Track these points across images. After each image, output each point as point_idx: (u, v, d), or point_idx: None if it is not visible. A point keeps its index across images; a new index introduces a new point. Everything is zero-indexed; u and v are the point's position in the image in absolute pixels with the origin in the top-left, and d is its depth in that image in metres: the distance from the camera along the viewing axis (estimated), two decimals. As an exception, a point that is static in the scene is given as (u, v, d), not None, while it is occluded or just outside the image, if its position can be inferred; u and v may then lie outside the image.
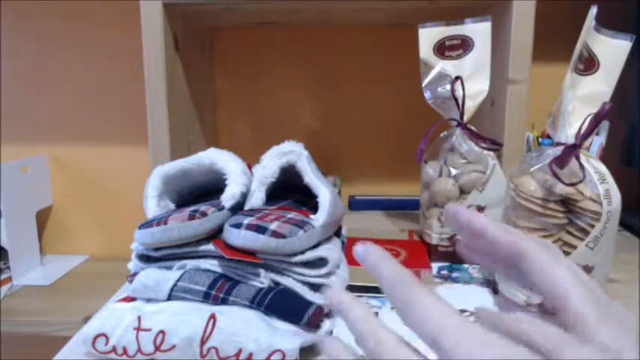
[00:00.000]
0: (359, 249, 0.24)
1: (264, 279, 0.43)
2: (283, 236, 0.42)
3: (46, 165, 0.92)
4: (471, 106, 0.61)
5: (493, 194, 0.59)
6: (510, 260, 0.23)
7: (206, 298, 0.42)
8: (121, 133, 0.91)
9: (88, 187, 0.94)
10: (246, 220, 0.43)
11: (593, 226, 0.46)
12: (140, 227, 0.44)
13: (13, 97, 0.91)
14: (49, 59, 0.90)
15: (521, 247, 0.23)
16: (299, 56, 0.90)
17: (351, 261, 0.57)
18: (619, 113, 0.77)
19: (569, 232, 0.48)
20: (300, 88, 0.92)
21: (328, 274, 0.45)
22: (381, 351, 0.21)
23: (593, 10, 0.47)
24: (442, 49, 0.62)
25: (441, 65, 0.62)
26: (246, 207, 0.51)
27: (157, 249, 0.45)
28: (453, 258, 0.61)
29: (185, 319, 0.40)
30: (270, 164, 0.52)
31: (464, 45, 0.62)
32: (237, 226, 0.43)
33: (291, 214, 0.48)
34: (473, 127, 0.62)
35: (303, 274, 0.44)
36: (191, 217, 0.44)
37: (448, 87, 0.61)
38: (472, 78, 0.61)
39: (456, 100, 0.60)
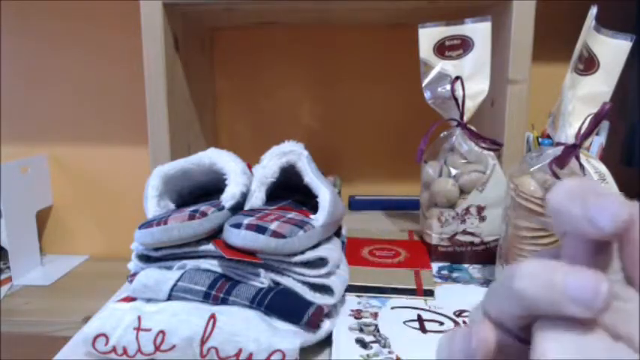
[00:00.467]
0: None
1: (264, 279, 0.44)
2: (283, 236, 0.42)
3: (46, 165, 0.92)
4: (471, 106, 0.61)
5: (493, 194, 0.59)
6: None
7: (206, 298, 0.42)
8: (121, 133, 0.91)
9: (88, 187, 0.94)
10: (246, 220, 0.43)
11: (593, 226, 0.46)
12: (140, 227, 0.44)
13: (13, 97, 0.91)
14: (49, 59, 0.90)
15: None
16: (299, 56, 0.90)
17: (351, 261, 0.57)
18: (619, 113, 0.77)
19: (569, 232, 0.48)
20: (300, 88, 0.92)
21: (328, 274, 0.45)
22: None
23: (593, 10, 0.47)
24: (442, 49, 0.62)
25: (441, 65, 0.62)
26: (246, 207, 0.51)
27: (157, 249, 0.45)
28: (453, 258, 0.61)
29: (185, 319, 0.40)
30: (270, 164, 0.52)
31: (464, 45, 0.62)
32: (237, 226, 0.43)
33: (291, 214, 0.48)
34: (473, 127, 0.62)
35: (303, 274, 0.44)
36: (191, 217, 0.44)
37: (448, 87, 0.61)
38: (472, 78, 0.61)
39: (456, 100, 0.60)
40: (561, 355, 0.15)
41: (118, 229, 0.94)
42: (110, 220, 0.95)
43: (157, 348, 0.39)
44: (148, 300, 0.43)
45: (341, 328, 0.44)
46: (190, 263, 0.45)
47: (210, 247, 0.45)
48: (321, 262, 0.45)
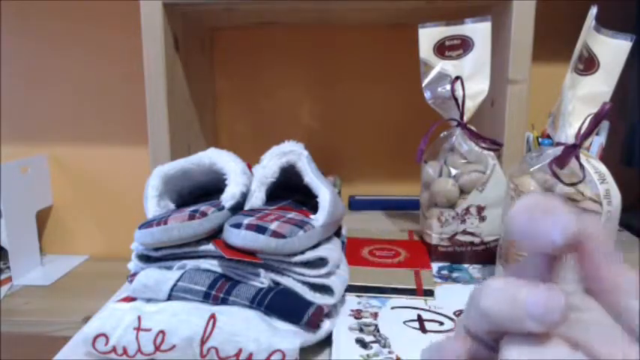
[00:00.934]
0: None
1: (264, 279, 0.44)
2: (283, 236, 0.42)
3: (46, 165, 0.92)
4: (471, 106, 0.61)
5: (493, 194, 0.59)
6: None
7: (206, 298, 0.42)
8: (121, 133, 0.91)
9: (88, 187, 0.94)
10: (246, 220, 0.43)
11: (593, 226, 0.46)
12: (140, 227, 0.44)
13: (13, 97, 0.91)
14: (49, 59, 0.90)
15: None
16: (299, 56, 0.90)
17: (351, 261, 0.57)
18: (619, 113, 0.77)
19: (569, 232, 0.48)
20: (300, 88, 0.92)
21: (328, 274, 0.45)
22: None
23: (593, 10, 0.47)
24: (442, 49, 0.62)
25: (441, 65, 0.62)
26: (246, 207, 0.51)
27: (157, 249, 0.45)
28: (453, 258, 0.61)
29: (185, 319, 0.40)
30: (270, 164, 0.52)
31: (464, 45, 0.62)
32: (237, 226, 0.43)
33: (291, 214, 0.48)
34: (473, 127, 0.62)
35: (303, 274, 0.44)
36: (191, 217, 0.44)
37: (448, 87, 0.61)
38: (472, 78, 0.61)
39: (456, 100, 0.60)
40: None
41: (118, 229, 0.94)
42: (110, 220, 0.95)
43: (157, 348, 0.39)
44: (148, 300, 0.43)
45: (341, 328, 0.44)
46: (190, 263, 0.45)
47: (210, 247, 0.45)
48: (321, 262, 0.45)
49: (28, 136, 0.92)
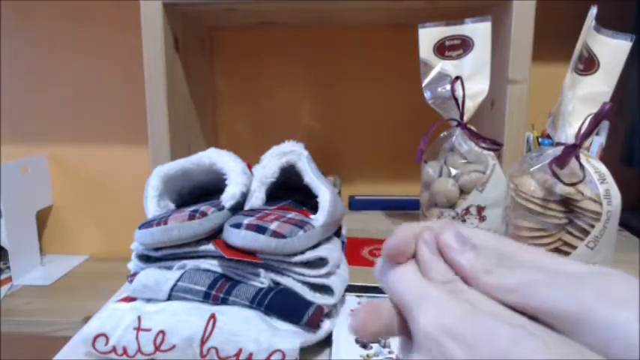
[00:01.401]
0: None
1: (264, 279, 0.43)
2: (283, 236, 0.42)
3: (46, 165, 0.92)
4: (471, 106, 0.61)
5: (493, 194, 0.59)
6: None
7: (206, 298, 0.42)
8: (121, 133, 0.91)
9: (88, 187, 0.94)
10: (246, 220, 0.43)
11: (593, 226, 0.46)
12: (140, 227, 0.44)
13: (13, 97, 0.91)
14: (49, 59, 0.90)
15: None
16: (299, 56, 0.90)
17: (351, 261, 0.57)
18: (619, 113, 0.77)
19: (569, 232, 0.48)
20: (300, 88, 0.92)
21: (328, 274, 0.45)
22: None
23: (593, 10, 0.47)
24: (442, 49, 0.62)
25: (441, 65, 0.62)
26: (246, 207, 0.51)
27: (157, 249, 0.45)
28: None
29: (185, 319, 0.40)
30: (270, 164, 0.52)
31: (464, 45, 0.62)
32: (237, 226, 0.43)
33: (291, 214, 0.48)
34: (473, 127, 0.62)
35: (303, 274, 0.44)
36: (191, 217, 0.44)
37: (448, 87, 0.61)
38: (472, 78, 0.61)
39: (456, 100, 0.60)
40: None
41: (118, 229, 0.94)
42: (110, 220, 0.95)
43: (157, 348, 0.39)
44: (148, 300, 0.43)
45: (341, 328, 0.44)
46: (190, 263, 0.45)
47: (210, 247, 0.45)
48: (321, 262, 0.45)
49: (28, 136, 0.92)
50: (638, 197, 0.76)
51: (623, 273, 0.17)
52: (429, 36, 0.62)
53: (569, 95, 0.48)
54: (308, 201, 0.54)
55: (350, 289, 0.51)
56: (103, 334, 0.40)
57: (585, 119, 0.47)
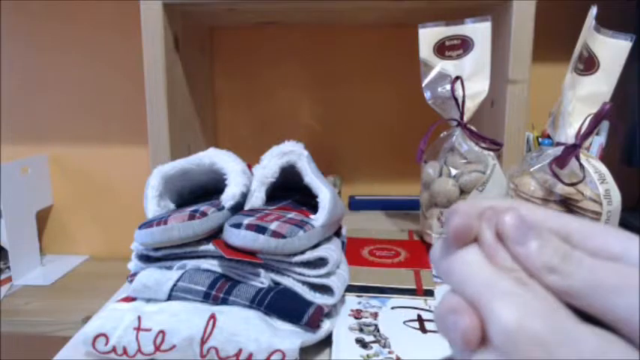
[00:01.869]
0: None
1: (264, 279, 0.44)
2: (283, 236, 0.42)
3: (46, 165, 0.92)
4: (471, 106, 0.61)
5: (493, 194, 0.59)
6: None
7: (206, 298, 0.42)
8: (121, 133, 0.91)
9: (88, 187, 0.94)
10: (246, 220, 0.43)
11: (593, 226, 0.46)
12: (140, 227, 0.44)
13: (13, 97, 0.91)
14: (49, 59, 0.90)
15: None
16: (299, 56, 0.90)
17: (351, 261, 0.57)
18: (619, 113, 0.77)
19: (569, 232, 0.48)
20: (300, 88, 0.92)
21: (328, 274, 0.45)
22: None
23: (593, 10, 0.47)
24: (442, 49, 0.62)
25: (441, 65, 0.62)
26: (246, 207, 0.51)
27: (156, 249, 0.45)
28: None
29: (185, 319, 0.40)
30: (270, 164, 0.52)
31: (464, 45, 0.62)
32: (237, 226, 0.43)
33: (291, 214, 0.48)
34: (473, 127, 0.62)
35: (303, 274, 0.44)
36: (191, 217, 0.44)
37: (448, 87, 0.61)
38: (472, 78, 0.61)
39: (456, 100, 0.60)
40: None
41: (118, 229, 0.94)
42: (110, 220, 0.95)
43: (157, 348, 0.39)
44: (148, 300, 0.43)
45: (341, 328, 0.44)
46: (190, 263, 0.45)
47: (210, 247, 0.45)
48: (321, 262, 0.45)
49: (28, 136, 0.92)
50: (638, 197, 0.76)
51: None
52: (429, 36, 0.62)
53: (569, 95, 0.48)
54: (308, 201, 0.54)
55: (350, 289, 0.51)
56: (103, 334, 0.40)
57: (585, 119, 0.47)
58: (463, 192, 0.60)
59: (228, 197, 0.49)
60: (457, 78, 0.60)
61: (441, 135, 0.64)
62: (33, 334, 0.72)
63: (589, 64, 0.49)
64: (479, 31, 0.61)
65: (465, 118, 0.61)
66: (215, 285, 0.43)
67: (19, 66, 0.90)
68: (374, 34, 0.89)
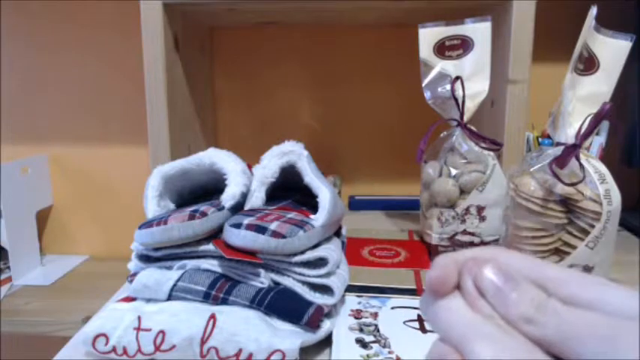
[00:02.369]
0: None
1: (264, 279, 0.44)
2: (283, 236, 0.42)
3: (46, 165, 0.92)
4: (471, 106, 0.61)
5: (493, 194, 0.59)
6: None
7: (206, 298, 0.42)
8: (120, 133, 0.91)
9: (88, 187, 0.94)
10: (246, 220, 0.43)
11: (593, 226, 0.46)
12: (140, 227, 0.44)
13: (13, 97, 0.91)
14: (49, 59, 0.90)
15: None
16: (299, 56, 0.90)
17: (351, 261, 0.57)
18: (619, 113, 0.77)
19: (569, 232, 0.48)
20: (300, 88, 0.92)
21: (328, 274, 0.45)
22: None
23: (593, 10, 0.47)
24: (442, 49, 0.62)
25: (441, 65, 0.62)
26: (246, 207, 0.51)
27: (156, 249, 0.45)
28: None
29: (185, 319, 0.40)
30: (270, 164, 0.52)
31: (464, 45, 0.62)
32: (237, 226, 0.43)
33: (291, 214, 0.48)
34: (473, 127, 0.62)
35: (303, 274, 0.44)
36: (191, 217, 0.44)
37: (448, 87, 0.61)
38: (472, 78, 0.61)
39: (456, 100, 0.60)
40: None
41: (118, 229, 0.94)
42: (110, 220, 0.95)
43: (157, 348, 0.39)
44: (148, 300, 0.43)
45: (341, 328, 0.44)
46: (190, 263, 0.45)
47: (210, 247, 0.45)
48: (321, 262, 0.45)
49: (28, 136, 0.92)
50: (638, 197, 0.76)
51: None
52: (429, 36, 0.62)
53: (569, 95, 0.48)
54: (308, 201, 0.54)
55: (350, 289, 0.51)
56: (103, 334, 0.40)
57: (585, 119, 0.47)
58: (463, 192, 0.60)
59: (228, 197, 0.49)
60: (457, 78, 0.60)
61: (441, 135, 0.64)
62: (33, 334, 0.72)
63: (589, 64, 0.49)
64: (479, 31, 0.61)
65: (465, 118, 0.61)
66: (215, 285, 0.43)
67: (19, 66, 0.90)
68: (374, 34, 0.89)
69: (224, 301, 0.42)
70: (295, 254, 0.44)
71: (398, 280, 0.53)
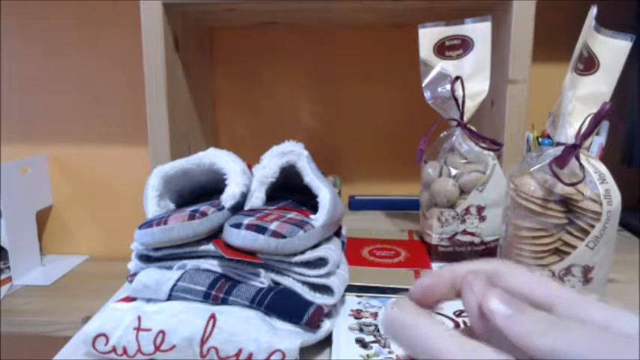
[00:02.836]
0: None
1: (264, 279, 0.43)
2: (283, 236, 0.42)
3: (46, 165, 0.92)
4: (471, 106, 0.61)
5: (493, 194, 0.59)
6: None
7: (206, 298, 0.42)
8: (121, 133, 0.91)
9: (88, 187, 0.94)
10: (246, 220, 0.43)
11: (593, 226, 0.46)
12: (140, 227, 0.44)
13: (13, 97, 0.91)
14: (49, 59, 0.90)
15: None
16: (299, 56, 0.90)
17: (351, 261, 0.57)
18: (619, 113, 0.77)
19: (569, 232, 0.48)
20: (300, 88, 0.92)
21: (328, 274, 0.45)
22: None
23: (593, 10, 0.47)
24: (442, 49, 0.62)
25: (441, 65, 0.62)
26: (246, 207, 0.51)
27: (156, 249, 0.45)
28: (453, 258, 0.61)
29: (185, 319, 0.40)
30: (270, 164, 0.52)
31: (464, 45, 0.62)
32: (237, 226, 0.43)
33: (291, 214, 0.48)
34: (473, 127, 0.62)
35: (303, 274, 0.44)
36: (191, 217, 0.44)
37: (448, 87, 0.61)
38: (472, 78, 0.61)
39: (456, 100, 0.60)
40: None
41: (118, 229, 0.94)
42: (110, 220, 0.95)
43: (157, 348, 0.39)
44: (148, 300, 0.43)
45: (341, 328, 0.44)
46: (190, 263, 0.45)
47: (210, 247, 0.45)
48: (321, 262, 0.45)
49: (28, 136, 0.92)
50: (638, 197, 0.76)
51: None
52: (429, 36, 0.62)
53: (569, 95, 0.48)
54: (308, 201, 0.54)
55: (350, 289, 0.51)
56: (103, 334, 0.40)
57: (585, 119, 0.47)
58: (463, 192, 0.60)
59: (228, 197, 0.49)
60: (457, 78, 0.60)
61: (441, 135, 0.64)
62: (33, 334, 0.72)
63: (589, 64, 0.49)
64: (479, 31, 0.61)
65: (465, 118, 0.61)
66: (215, 285, 0.43)
67: (20, 66, 0.90)
68: (374, 34, 0.89)
69: (224, 301, 0.42)
70: (295, 254, 0.44)
71: (398, 280, 0.53)
